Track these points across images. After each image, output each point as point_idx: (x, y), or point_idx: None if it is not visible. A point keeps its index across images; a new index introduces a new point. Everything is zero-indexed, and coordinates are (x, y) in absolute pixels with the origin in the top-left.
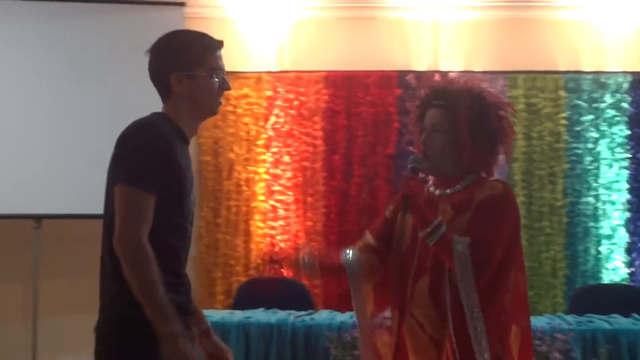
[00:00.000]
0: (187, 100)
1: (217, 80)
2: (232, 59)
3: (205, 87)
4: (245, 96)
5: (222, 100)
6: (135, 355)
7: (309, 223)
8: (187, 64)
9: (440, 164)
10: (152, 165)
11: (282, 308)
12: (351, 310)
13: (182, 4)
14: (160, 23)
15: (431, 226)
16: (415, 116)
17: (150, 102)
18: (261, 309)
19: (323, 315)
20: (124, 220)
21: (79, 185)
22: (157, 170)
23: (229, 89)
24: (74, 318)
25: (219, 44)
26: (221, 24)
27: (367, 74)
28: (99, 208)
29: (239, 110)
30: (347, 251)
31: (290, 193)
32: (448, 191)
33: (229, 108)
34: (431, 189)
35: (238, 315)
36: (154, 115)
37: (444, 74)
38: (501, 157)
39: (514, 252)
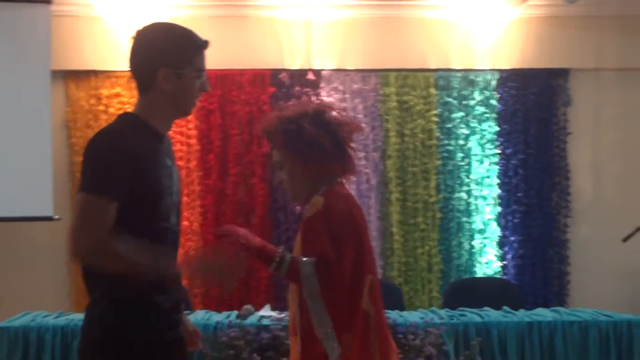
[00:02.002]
0: (167, 98)
1: (199, 81)
2: (103, 58)
3: (189, 87)
4: (117, 95)
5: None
6: (114, 354)
7: (186, 223)
8: (178, 62)
9: (296, 193)
10: (114, 172)
11: None
12: (229, 310)
13: (48, 2)
14: (26, 20)
15: (275, 260)
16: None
17: (14, 98)
18: None
19: (199, 316)
20: (78, 228)
21: None
22: (120, 176)
23: (207, 90)
24: None
25: (206, 44)
26: (90, 22)
27: (241, 72)
28: None
29: (111, 110)
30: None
31: None
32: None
33: (101, 107)
34: None
35: None
36: (122, 120)
37: (278, 110)
38: (375, 155)
39: (351, 259)
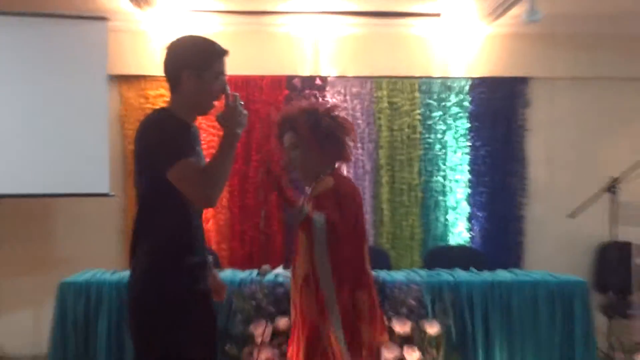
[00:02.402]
0: (189, 96)
1: (218, 83)
2: (149, 65)
3: (207, 88)
4: (161, 95)
5: (214, 103)
6: (154, 304)
7: None
8: (198, 65)
9: (306, 172)
10: (178, 142)
11: None
12: (251, 268)
13: (105, 19)
14: (87, 34)
15: (297, 207)
16: (277, 135)
17: (78, 98)
18: None
19: (227, 274)
20: (195, 193)
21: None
22: (183, 145)
23: (226, 92)
24: None
25: (225, 52)
26: (138, 35)
27: (262, 77)
28: None
29: (156, 107)
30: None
31: None
32: (310, 189)
33: (148, 105)
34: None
35: None
36: (158, 112)
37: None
38: (370, 146)
39: (349, 229)
